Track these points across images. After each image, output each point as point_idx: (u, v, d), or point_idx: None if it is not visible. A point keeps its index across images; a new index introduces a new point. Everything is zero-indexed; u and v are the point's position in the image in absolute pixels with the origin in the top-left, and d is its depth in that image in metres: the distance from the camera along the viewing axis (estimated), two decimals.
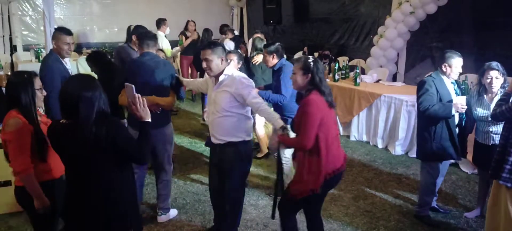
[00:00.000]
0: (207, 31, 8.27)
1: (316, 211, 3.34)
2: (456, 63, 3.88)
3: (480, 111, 3.84)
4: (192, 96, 9.27)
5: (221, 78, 3.38)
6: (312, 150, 2.97)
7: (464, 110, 3.81)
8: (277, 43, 4.68)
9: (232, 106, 3.36)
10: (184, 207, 4.46)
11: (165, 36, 8.38)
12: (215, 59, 3.33)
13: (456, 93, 3.95)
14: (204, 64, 3.37)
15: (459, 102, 3.75)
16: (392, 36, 7.53)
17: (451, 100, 3.83)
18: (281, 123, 3.30)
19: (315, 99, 2.96)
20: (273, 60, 4.51)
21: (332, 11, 9.94)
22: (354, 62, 8.73)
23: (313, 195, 3.02)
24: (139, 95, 2.52)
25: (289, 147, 3.22)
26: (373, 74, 7.28)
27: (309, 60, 3.05)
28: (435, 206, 4.35)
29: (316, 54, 8.91)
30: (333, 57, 8.84)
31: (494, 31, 6.59)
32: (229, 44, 7.92)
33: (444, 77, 3.94)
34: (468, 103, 3.89)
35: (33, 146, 2.76)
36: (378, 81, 7.06)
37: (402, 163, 5.65)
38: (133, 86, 2.56)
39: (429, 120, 3.93)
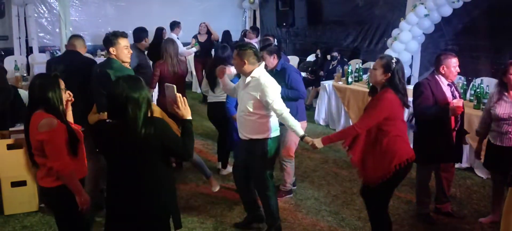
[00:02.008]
0: (225, 34, 8.30)
1: (383, 205, 3.43)
2: (452, 63, 3.85)
3: (500, 111, 3.77)
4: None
5: (247, 79, 3.57)
6: (376, 141, 3.19)
7: (460, 113, 3.77)
8: (273, 44, 4.71)
9: (256, 108, 3.55)
10: (197, 208, 4.47)
11: (178, 38, 8.45)
12: (237, 60, 3.58)
13: (453, 96, 3.90)
14: (232, 61, 3.70)
15: (456, 106, 3.70)
16: (406, 39, 7.45)
17: (448, 103, 3.78)
18: (302, 132, 3.53)
19: (390, 98, 3.15)
20: (274, 61, 4.44)
21: (345, 14, 9.89)
22: (367, 65, 8.67)
23: (384, 183, 3.21)
24: (180, 94, 2.65)
25: (336, 140, 3.54)
26: None
27: (393, 60, 3.21)
28: (450, 211, 4.30)
29: (328, 56, 8.87)
30: (345, 59, 8.80)
31: (510, 35, 6.49)
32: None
33: (441, 80, 3.90)
34: (486, 106, 3.85)
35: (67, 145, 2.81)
36: None
37: (415, 167, 5.57)
38: (174, 86, 2.69)
39: (423, 123, 3.94)
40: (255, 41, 8.63)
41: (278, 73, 4.33)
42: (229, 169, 5.28)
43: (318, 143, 3.40)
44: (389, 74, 3.18)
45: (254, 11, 12.81)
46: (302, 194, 4.79)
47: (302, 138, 3.52)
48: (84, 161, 3.01)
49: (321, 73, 8.42)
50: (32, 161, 2.92)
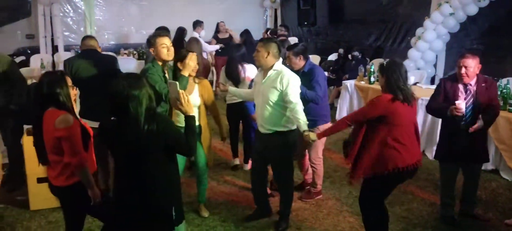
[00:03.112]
0: (247, 33, 8.34)
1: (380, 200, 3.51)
2: (459, 63, 3.76)
3: None
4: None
5: (269, 72, 3.65)
6: (373, 145, 3.22)
7: (460, 114, 3.67)
8: (301, 44, 4.66)
9: (280, 100, 3.64)
10: (218, 207, 4.49)
11: (200, 36, 8.51)
12: (262, 51, 3.63)
13: (467, 96, 3.81)
14: (254, 54, 3.72)
15: (454, 107, 3.64)
16: (430, 38, 7.34)
17: (451, 104, 3.72)
18: (305, 127, 3.58)
19: (384, 99, 3.19)
20: (300, 62, 4.36)
21: (368, 12, 9.79)
22: None
23: (379, 178, 3.25)
24: (183, 91, 2.71)
25: (330, 133, 3.68)
26: (410, 76, 7.11)
27: (383, 62, 3.28)
28: (475, 213, 4.21)
29: (350, 56, 8.80)
30: (367, 59, 8.71)
31: None
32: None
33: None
34: None
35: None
36: (415, 84, 6.89)
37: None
38: (177, 83, 2.76)
39: (442, 121, 4.00)
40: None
41: (305, 75, 4.27)
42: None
43: (313, 135, 3.55)
44: (385, 76, 3.22)
45: (275, 10, 12.79)
46: (323, 194, 4.76)
47: (303, 133, 3.59)
48: (93, 156, 3.06)
49: (345, 77, 8.28)
50: (41, 159, 2.96)
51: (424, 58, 7.60)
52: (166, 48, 3.68)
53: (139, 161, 2.52)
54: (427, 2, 7.82)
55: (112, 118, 2.56)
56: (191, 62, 3.63)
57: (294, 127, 3.79)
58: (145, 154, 2.51)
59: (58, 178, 2.88)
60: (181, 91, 2.70)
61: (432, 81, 7.72)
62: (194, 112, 3.12)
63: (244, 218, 4.24)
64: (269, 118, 3.68)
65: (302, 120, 3.59)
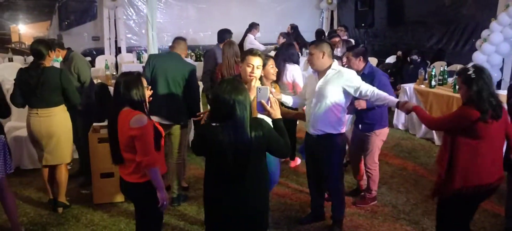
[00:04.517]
0: (288, 34, 8.36)
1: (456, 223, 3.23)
2: None
3: None
4: None
5: (328, 72, 3.66)
6: (454, 152, 3.03)
7: None
8: (361, 45, 4.60)
9: (338, 100, 3.64)
10: (271, 208, 4.49)
11: (255, 38, 8.59)
12: (316, 53, 3.64)
13: None
14: (308, 58, 3.80)
15: None
16: (497, 41, 6.96)
17: None
18: (395, 100, 3.57)
19: (464, 113, 2.97)
20: (360, 64, 4.29)
21: (429, 13, 9.46)
22: (452, 67, 8.22)
23: (456, 199, 3.06)
24: (272, 95, 2.82)
25: (422, 117, 3.47)
26: None
27: (469, 72, 2.98)
28: None
29: (408, 59, 8.53)
30: (428, 61, 8.40)
31: None
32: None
33: None
34: None
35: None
36: None
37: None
38: (268, 88, 2.85)
39: None
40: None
41: (365, 77, 4.16)
42: (298, 160, 5.64)
43: (410, 105, 3.41)
44: (472, 88, 2.94)
45: (332, 11, 12.65)
46: (379, 200, 4.65)
47: (397, 104, 3.51)
48: (163, 157, 3.13)
49: (399, 87, 7.95)
50: (114, 157, 3.03)
51: (490, 62, 7.22)
52: (250, 68, 3.31)
53: (244, 164, 2.54)
54: (493, 3, 7.45)
55: (214, 124, 2.54)
56: (272, 69, 3.83)
57: (343, 130, 3.79)
58: (250, 158, 2.54)
59: (131, 175, 2.96)
60: (271, 96, 2.81)
61: (499, 86, 7.31)
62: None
63: (297, 220, 4.23)
64: (322, 116, 3.67)
65: (388, 97, 3.55)
